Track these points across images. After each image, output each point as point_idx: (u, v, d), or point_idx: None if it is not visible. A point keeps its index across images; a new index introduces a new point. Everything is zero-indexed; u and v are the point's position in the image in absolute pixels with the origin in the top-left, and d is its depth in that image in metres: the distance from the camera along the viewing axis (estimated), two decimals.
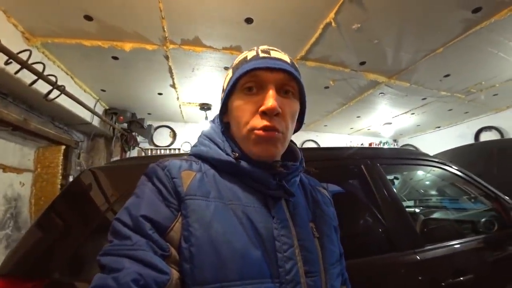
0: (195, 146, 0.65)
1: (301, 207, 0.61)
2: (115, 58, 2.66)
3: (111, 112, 4.04)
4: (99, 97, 3.69)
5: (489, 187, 1.70)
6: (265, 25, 2.28)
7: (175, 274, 0.45)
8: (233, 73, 0.59)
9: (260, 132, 0.54)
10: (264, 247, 0.50)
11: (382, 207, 1.37)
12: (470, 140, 5.16)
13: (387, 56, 2.86)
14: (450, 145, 3.40)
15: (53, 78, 2.31)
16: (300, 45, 2.61)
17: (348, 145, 6.09)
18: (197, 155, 0.62)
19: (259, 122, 0.54)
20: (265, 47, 0.60)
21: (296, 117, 0.61)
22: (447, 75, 3.35)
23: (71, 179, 3.44)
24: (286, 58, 0.59)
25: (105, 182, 1.14)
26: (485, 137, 5.05)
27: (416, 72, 3.22)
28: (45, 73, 2.23)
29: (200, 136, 0.66)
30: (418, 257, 1.24)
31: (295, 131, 0.65)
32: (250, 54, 0.59)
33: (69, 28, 2.22)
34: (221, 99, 0.63)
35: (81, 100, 2.90)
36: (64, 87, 2.45)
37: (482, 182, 1.71)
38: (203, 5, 2.04)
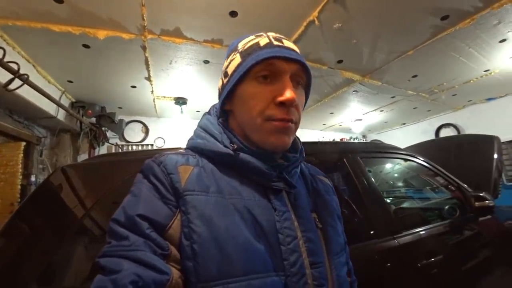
0: (191, 139, 0.62)
1: (302, 197, 0.60)
2: (86, 46, 2.47)
3: (78, 106, 3.75)
4: (65, 89, 3.41)
5: (452, 177, 1.86)
6: (249, 19, 2.26)
7: (175, 273, 0.44)
8: (243, 58, 0.56)
9: (277, 123, 0.53)
10: (267, 241, 0.50)
11: (364, 198, 1.45)
12: (432, 136, 5.61)
13: (363, 55, 2.99)
14: (414, 140, 3.65)
15: (14, 66, 2.10)
16: None
17: (320, 140, 6.30)
18: (193, 148, 0.60)
19: (276, 112, 0.53)
20: (275, 34, 0.59)
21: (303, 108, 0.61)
22: (415, 76, 3.61)
23: (33, 178, 3.16)
24: (296, 48, 0.58)
25: (81, 182, 1.03)
26: (444, 133, 5.55)
27: (388, 71, 3.41)
28: (5, 59, 2.02)
29: (196, 128, 0.64)
30: (398, 242, 1.33)
31: None
32: (262, 41, 0.56)
33: (35, 10, 2.00)
34: (224, 84, 0.59)
35: (44, 91, 2.67)
36: (28, 76, 2.24)
37: (446, 172, 1.87)
38: None
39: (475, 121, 5.14)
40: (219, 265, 0.45)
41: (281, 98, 0.52)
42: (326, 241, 0.57)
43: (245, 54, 0.56)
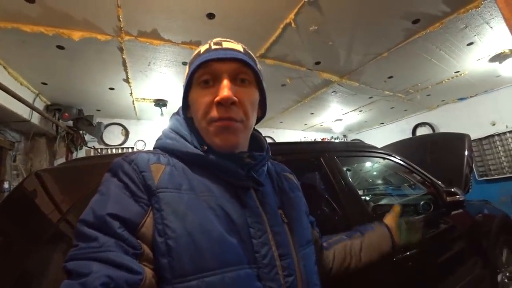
0: (160, 139, 0.63)
1: (270, 195, 0.62)
2: (60, 47, 2.40)
3: (54, 108, 3.62)
4: (39, 91, 3.29)
5: (426, 174, 1.94)
6: (226, 21, 2.28)
7: (148, 272, 0.44)
8: (189, 68, 0.60)
9: (218, 123, 0.55)
10: (239, 235, 0.51)
11: (341, 196, 1.48)
12: (409, 135, 5.82)
13: (340, 57, 3.07)
14: (393, 139, 3.78)
15: None
16: (260, 43, 2.67)
17: (303, 140, 6.41)
18: (163, 148, 0.60)
19: (216, 113, 0.54)
20: (218, 39, 0.61)
21: (256, 104, 0.62)
22: (391, 77, 3.74)
23: (6, 185, 3.03)
24: (238, 47, 0.60)
25: (56, 187, 0.99)
26: (420, 131, 5.76)
27: (365, 73, 3.52)
28: None
29: (165, 129, 0.65)
30: None
31: (260, 118, 0.67)
32: (203, 48, 0.60)
33: (4, 9, 1.92)
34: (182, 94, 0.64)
35: (16, 93, 2.56)
36: None
37: (420, 170, 1.95)
38: None
39: (448, 120, 5.38)
40: (194, 259, 0.45)
41: (216, 98, 0.54)
42: (292, 234, 0.60)
43: (190, 63, 0.61)
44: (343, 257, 0.80)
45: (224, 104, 0.53)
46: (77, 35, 2.24)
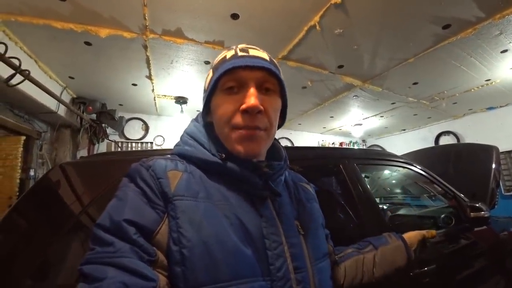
0: (178, 145, 0.64)
1: (286, 205, 0.61)
2: (88, 43, 2.48)
3: (79, 102, 3.76)
4: (66, 85, 3.42)
5: (448, 186, 1.86)
6: (250, 22, 2.27)
7: (162, 280, 0.44)
8: (213, 73, 0.59)
9: (242, 131, 0.54)
10: (254, 246, 0.51)
11: (358, 205, 1.45)
12: (431, 143, 5.61)
13: (364, 61, 3.00)
14: (414, 147, 3.66)
15: (16, 61, 2.11)
16: (283, 44, 2.64)
17: (320, 144, 6.33)
18: (181, 155, 0.60)
19: (241, 120, 0.54)
20: (243, 45, 0.61)
21: (279, 113, 0.61)
22: (416, 83, 3.62)
23: (32, 172, 3.18)
24: (265, 55, 0.59)
25: (79, 180, 1.02)
26: (443, 141, 5.54)
27: (389, 78, 3.41)
28: (7, 54, 2.03)
29: (183, 135, 0.65)
30: None
31: (278, 126, 0.65)
32: (229, 54, 0.59)
33: (37, 7, 2.02)
34: (203, 99, 0.63)
35: (46, 86, 2.67)
36: (29, 72, 2.25)
37: (443, 181, 1.86)
38: None
39: (474, 130, 5.14)
40: (208, 270, 0.45)
41: (243, 106, 0.53)
42: (308, 247, 0.59)
43: (215, 68, 0.60)
44: (355, 273, 0.78)
45: (250, 112, 0.53)
46: (104, 32, 2.30)
